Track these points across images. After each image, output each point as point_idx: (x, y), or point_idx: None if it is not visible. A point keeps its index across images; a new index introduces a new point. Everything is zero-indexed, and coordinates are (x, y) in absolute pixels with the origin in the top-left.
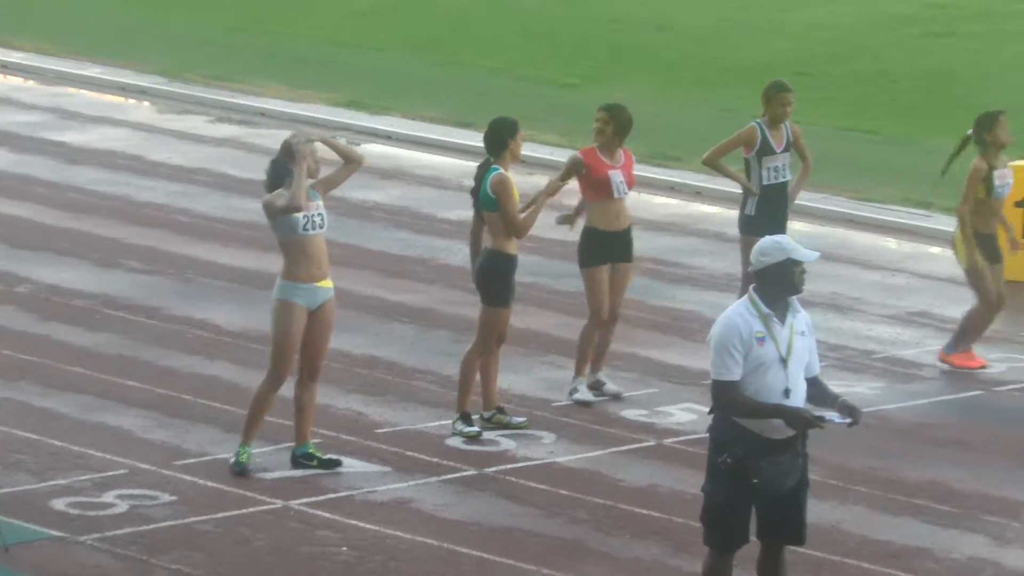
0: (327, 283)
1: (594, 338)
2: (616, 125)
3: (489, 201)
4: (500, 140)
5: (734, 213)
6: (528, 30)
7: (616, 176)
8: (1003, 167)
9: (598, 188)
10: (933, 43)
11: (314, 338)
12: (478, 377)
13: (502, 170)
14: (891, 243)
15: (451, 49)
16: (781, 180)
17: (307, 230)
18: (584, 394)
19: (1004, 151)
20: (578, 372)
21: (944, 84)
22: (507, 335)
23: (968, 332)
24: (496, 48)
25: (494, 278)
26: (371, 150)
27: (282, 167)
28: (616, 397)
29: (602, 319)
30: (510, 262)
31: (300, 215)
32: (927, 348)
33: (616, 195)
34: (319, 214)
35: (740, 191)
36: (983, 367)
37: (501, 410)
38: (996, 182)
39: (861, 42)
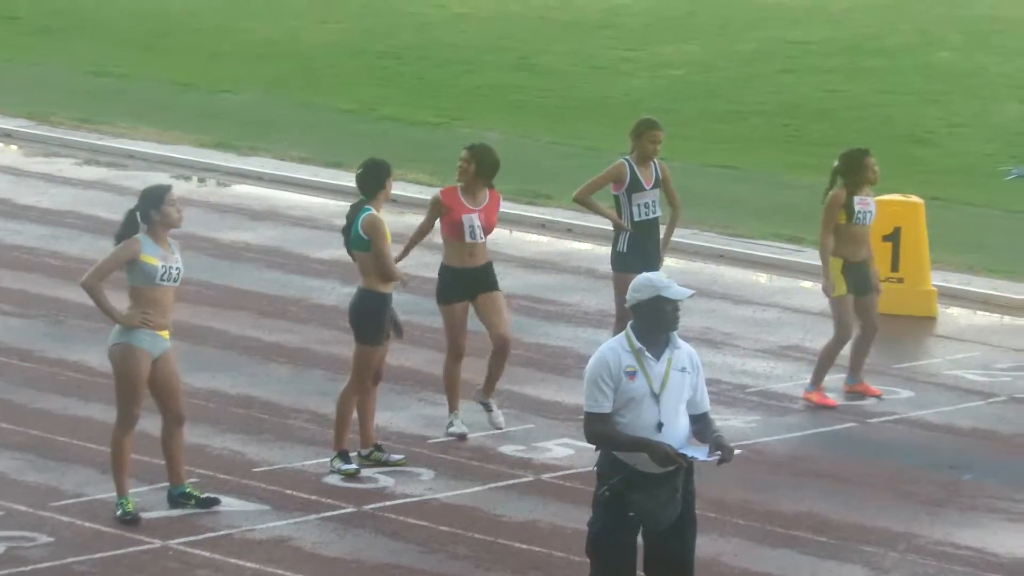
0: (166, 334)
1: (455, 371)
2: (479, 165)
3: (360, 242)
4: (377, 181)
5: (605, 250)
6: (379, 72)
7: (470, 220)
8: (864, 195)
9: (451, 228)
10: (786, 79)
11: (165, 384)
12: (355, 415)
13: (374, 211)
14: (762, 278)
15: (300, 91)
16: (652, 216)
17: (163, 281)
18: (458, 427)
19: (870, 186)
20: (452, 407)
21: (797, 119)
22: (383, 373)
23: (821, 367)
24: (348, 90)
25: (366, 317)
26: (241, 191)
27: (135, 217)
28: (497, 429)
29: (460, 353)
30: (382, 300)
31: (160, 264)
32: (800, 381)
33: (468, 239)
34: (177, 267)
35: (611, 228)
36: (838, 405)
37: (379, 447)
38: (856, 207)
39: (713, 79)
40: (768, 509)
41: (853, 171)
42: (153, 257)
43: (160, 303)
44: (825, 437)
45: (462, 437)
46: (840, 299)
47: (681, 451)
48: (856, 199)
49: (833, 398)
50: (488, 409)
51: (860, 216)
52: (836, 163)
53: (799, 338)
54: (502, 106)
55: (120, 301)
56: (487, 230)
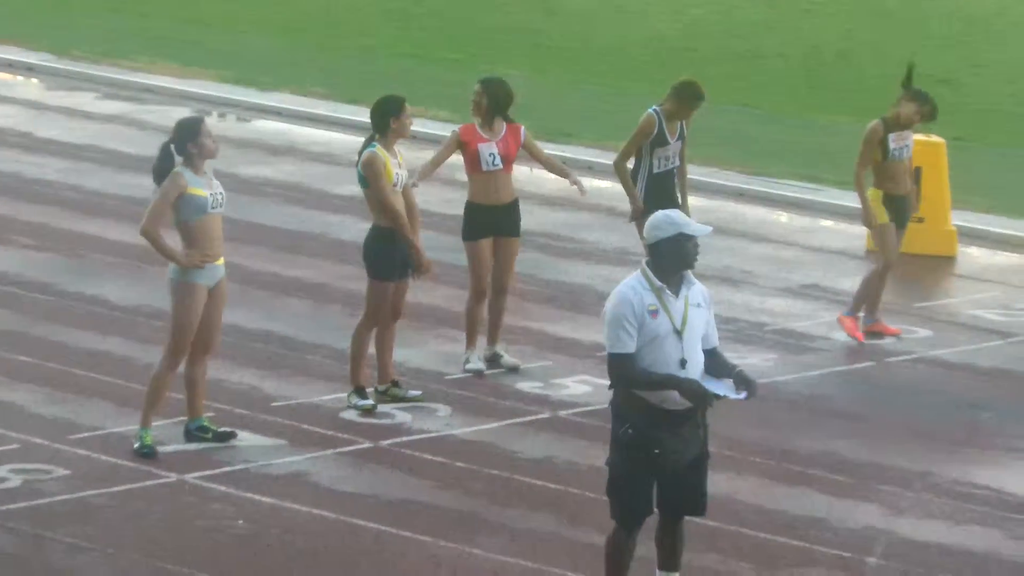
0: (221, 261)
1: (478, 311)
2: (491, 98)
3: (361, 179)
4: (383, 119)
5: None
6: (398, 14)
7: (486, 149)
8: (900, 129)
9: (471, 161)
10: (806, 20)
11: (211, 315)
12: (372, 350)
13: (377, 148)
14: (782, 217)
15: (319, 33)
16: (670, 167)
17: (213, 209)
18: (475, 363)
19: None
20: (469, 345)
21: (816, 60)
22: (402, 310)
23: (863, 295)
24: (366, 30)
25: (375, 252)
26: (262, 126)
27: (171, 150)
28: (514, 370)
29: (483, 292)
30: (390, 236)
31: (208, 193)
32: (819, 320)
33: (484, 167)
34: (220, 193)
35: (630, 166)
36: (862, 341)
37: (396, 383)
38: (891, 145)
39: (733, 20)
40: (785, 448)
41: (905, 99)
42: (199, 188)
43: (211, 233)
44: (843, 376)
45: (479, 374)
46: (883, 227)
47: (712, 391)
48: (891, 135)
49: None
50: (499, 357)
51: (896, 152)
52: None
53: (818, 277)
54: (523, 47)
55: (170, 238)
56: (506, 159)
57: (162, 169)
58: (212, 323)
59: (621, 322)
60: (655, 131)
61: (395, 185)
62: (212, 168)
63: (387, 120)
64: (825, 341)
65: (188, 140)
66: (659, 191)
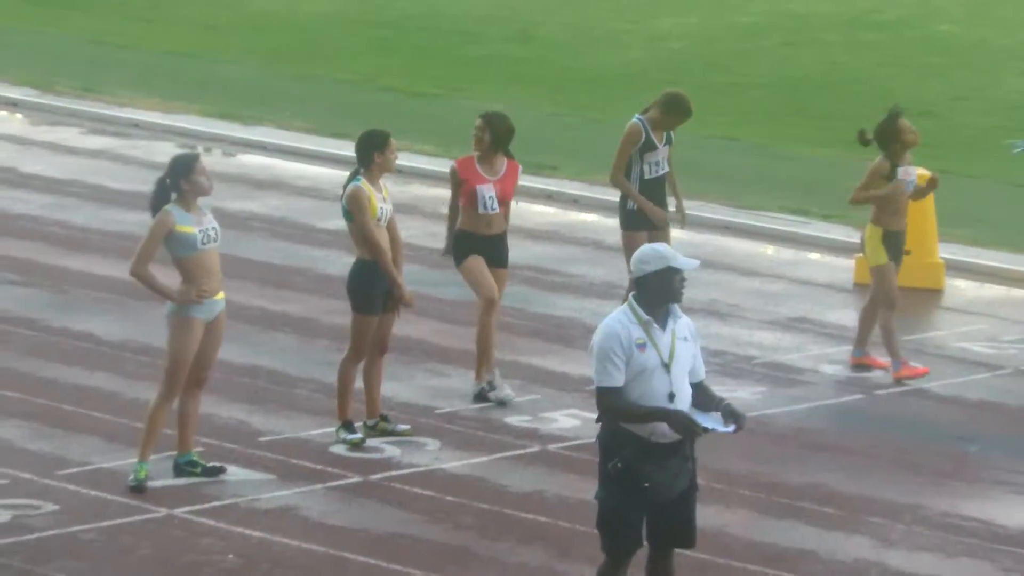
0: (221, 295)
1: (492, 324)
2: (493, 133)
3: (345, 212)
4: (367, 153)
5: (611, 221)
6: (377, 43)
7: (485, 192)
8: (907, 164)
9: (468, 199)
10: (787, 52)
11: (206, 349)
12: (360, 385)
13: (362, 183)
14: (768, 250)
15: (300, 62)
16: (660, 174)
17: (204, 245)
18: (502, 391)
19: (909, 150)
20: (489, 367)
21: (798, 92)
22: (389, 344)
23: (889, 342)
24: (346, 61)
25: (358, 285)
26: (247, 161)
27: (166, 185)
28: (502, 403)
29: (495, 301)
30: (373, 269)
31: (196, 230)
32: (807, 353)
33: (481, 210)
34: (213, 228)
35: (616, 198)
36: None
37: (384, 418)
38: (900, 176)
39: (712, 52)
40: (774, 480)
41: (889, 139)
42: (188, 226)
43: (206, 267)
44: (831, 409)
45: (508, 401)
46: (882, 268)
47: (700, 423)
48: (900, 169)
49: (914, 364)
50: (492, 388)
51: (905, 186)
52: (861, 129)
53: (805, 310)
54: (502, 77)
55: (167, 275)
56: (502, 201)
57: (157, 203)
58: (208, 357)
59: (609, 355)
60: (643, 138)
61: (379, 220)
62: (207, 204)
63: (371, 154)
64: (813, 374)
65: (182, 176)
66: (650, 197)
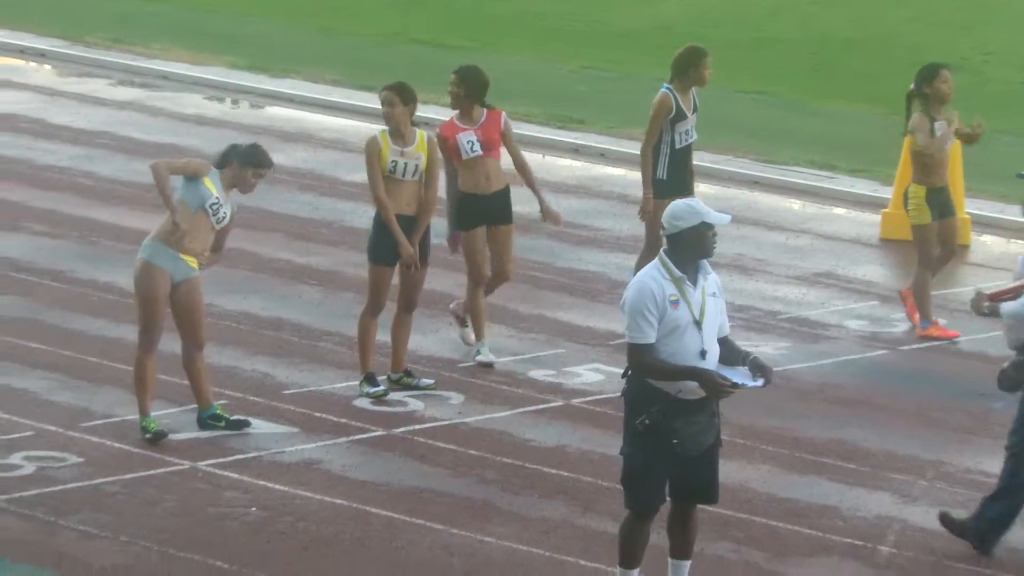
0: (193, 262)
1: (480, 299)
2: (467, 87)
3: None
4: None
5: (637, 175)
6: (406, 1)
7: (464, 137)
8: (944, 117)
9: (455, 154)
10: (815, 8)
11: (186, 310)
12: (384, 338)
13: (380, 133)
14: (795, 205)
15: (325, 18)
16: (689, 142)
17: (208, 210)
18: (486, 355)
19: (947, 105)
20: (478, 336)
21: (826, 49)
22: (416, 300)
23: (922, 302)
24: (371, 16)
25: (372, 236)
26: (274, 113)
27: (230, 152)
28: (466, 343)
29: (482, 279)
30: (382, 221)
31: (216, 195)
32: (832, 308)
33: (464, 155)
34: (224, 211)
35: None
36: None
37: (408, 373)
38: (937, 133)
39: (741, 7)
40: (797, 436)
41: (927, 84)
42: (214, 187)
43: (195, 227)
44: (856, 364)
45: (489, 366)
46: (924, 227)
47: (731, 379)
48: (936, 124)
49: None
50: (464, 324)
51: (942, 141)
52: (911, 86)
53: (831, 265)
54: (531, 32)
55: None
56: (486, 144)
57: (222, 159)
58: (192, 318)
59: (643, 312)
60: (673, 108)
61: (392, 172)
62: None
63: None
64: (838, 329)
65: (247, 164)
66: (680, 166)
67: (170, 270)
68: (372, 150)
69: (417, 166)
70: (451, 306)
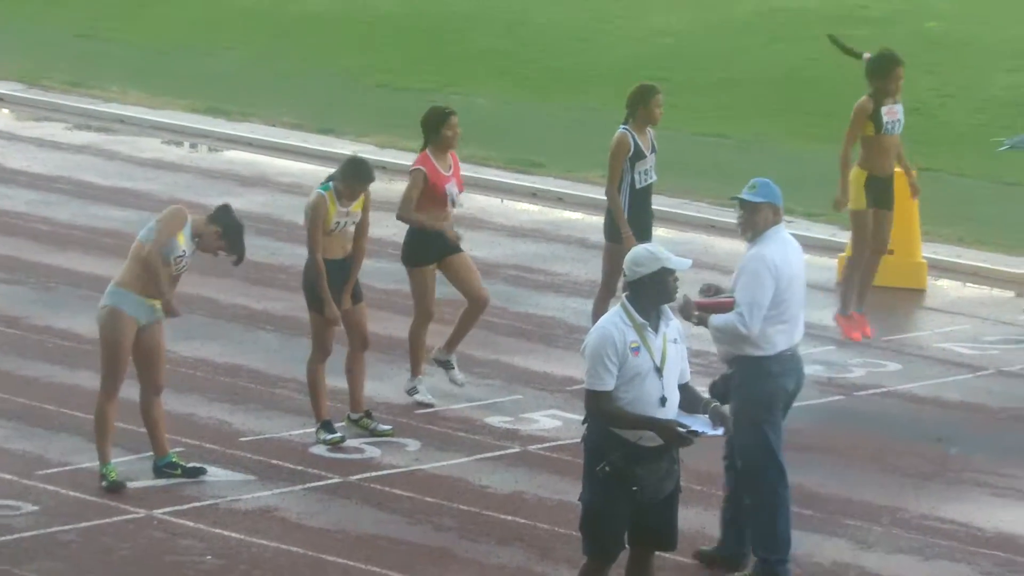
0: (158, 304)
1: (423, 335)
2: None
3: (304, 214)
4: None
5: (596, 219)
6: (365, 40)
7: (452, 189)
8: (891, 104)
9: (433, 198)
10: (776, 48)
11: (149, 354)
12: (338, 384)
13: (326, 194)
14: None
15: (286, 59)
16: (650, 182)
17: (173, 262)
18: (424, 395)
19: (896, 95)
20: (415, 372)
21: (787, 88)
22: (368, 338)
23: (847, 288)
24: (333, 57)
25: (305, 284)
26: (232, 157)
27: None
28: (458, 385)
29: (430, 316)
30: (317, 269)
31: (183, 249)
32: None
33: (451, 205)
34: (187, 262)
35: (602, 197)
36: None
37: (369, 415)
38: (884, 118)
39: (703, 48)
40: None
41: (880, 76)
42: (184, 240)
43: (159, 276)
44: (811, 409)
45: (428, 406)
46: (859, 213)
47: (690, 427)
48: (884, 108)
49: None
50: (449, 367)
51: (889, 126)
52: (864, 55)
53: None
54: (491, 73)
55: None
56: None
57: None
58: (154, 364)
59: (603, 359)
60: (632, 147)
61: (333, 230)
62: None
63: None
64: (836, 324)
65: (227, 234)
66: (642, 206)
67: (136, 316)
68: (320, 212)
69: (354, 221)
70: (432, 355)
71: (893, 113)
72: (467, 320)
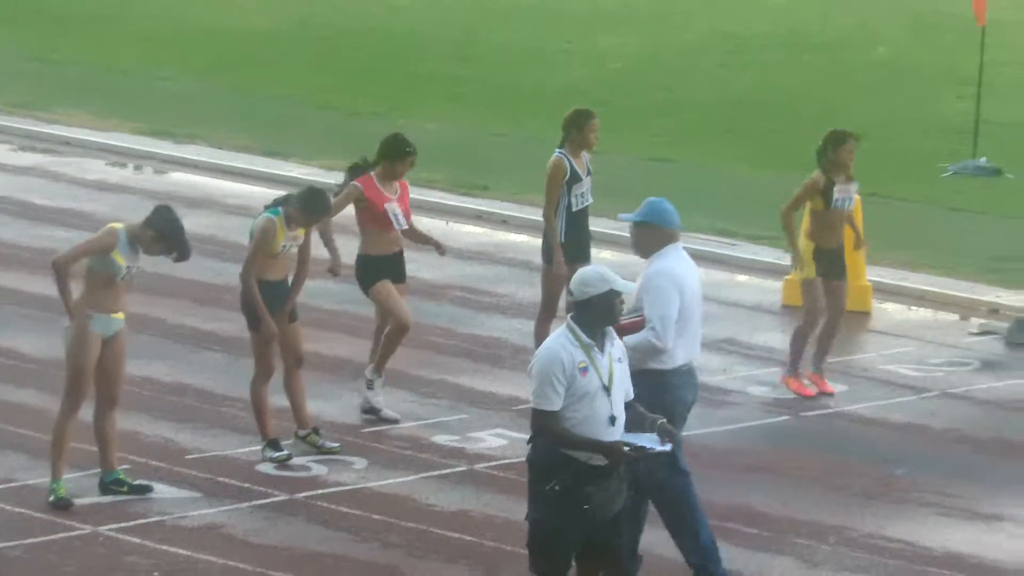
0: (121, 315)
1: (399, 343)
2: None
3: (250, 235)
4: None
5: (540, 241)
6: (317, 60)
7: (392, 209)
8: (844, 183)
9: (375, 219)
10: (726, 72)
11: (110, 366)
12: (282, 402)
13: (276, 219)
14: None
15: (237, 78)
16: (586, 204)
17: (122, 280)
18: (388, 413)
19: (848, 170)
20: (380, 372)
21: (736, 112)
22: (303, 354)
23: (794, 351)
24: (285, 77)
25: (243, 305)
26: (178, 179)
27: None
28: (375, 409)
29: (407, 325)
30: (261, 289)
31: (124, 265)
32: (735, 375)
33: (396, 227)
34: (136, 269)
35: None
36: (816, 394)
37: (316, 431)
38: (836, 195)
39: (651, 72)
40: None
41: (831, 150)
42: (122, 257)
43: (114, 292)
44: (758, 430)
45: (394, 422)
46: (809, 282)
47: (637, 444)
48: (836, 187)
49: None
50: (371, 388)
51: (838, 202)
52: (820, 143)
53: (733, 331)
54: (440, 96)
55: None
56: (406, 216)
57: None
58: (113, 375)
59: (550, 379)
60: (568, 171)
61: (277, 254)
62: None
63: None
64: (741, 395)
65: (165, 236)
66: (579, 228)
67: (102, 332)
68: (269, 235)
69: (297, 244)
70: (367, 373)
71: (844, 191)
72: (395, 340)
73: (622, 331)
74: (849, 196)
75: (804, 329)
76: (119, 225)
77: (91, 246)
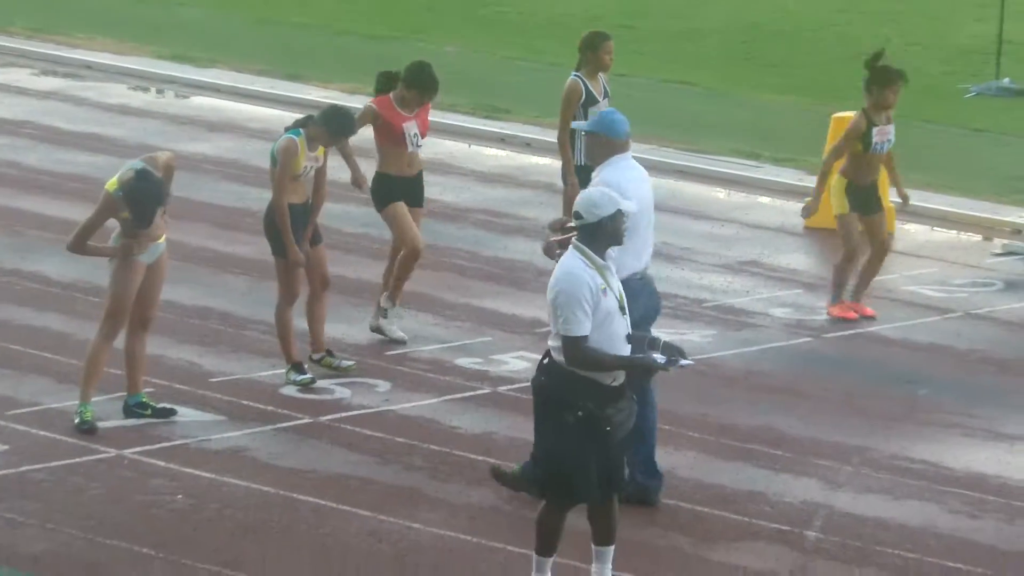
0: (162, 239)
1: (411, 268)
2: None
3: (272, 158)
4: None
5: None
6: None
7: (410, 128)
8: (884, 124)
9: (391, 137)
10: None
11: (149, 289)
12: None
13: (297, 140)
14: (720, 194)
15: (257, 6)
16: None
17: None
18: (395, 327)
19: (886, 111)
20: (396, 301)
21: (753, 39)
22: (328, 278)
23: (836, 282)
24: (304, 5)
25: (268, 229)
26: (199, 103)
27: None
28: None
29: (418, 249)
30: (283, 213)
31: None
32: (757, 296)
33: (409, 148)
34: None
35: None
36: (859, 318)
37: (330, 353)
38: (874, 138)
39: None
40: (723, 423)
41: (875, 90)
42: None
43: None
44: (781, 352)
45: (401, 342)
46: (843, 217)
47: (660, 362)
48: (875, 129)
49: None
50: (384, 316)
51: (877, 146)
52: (865, 80)
53: (756, 253)
54: (460, 21)
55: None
56: (423, 135)
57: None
58: (150, 297)
59: (580, 302)
60: (583, 93)
61: (299, 176)
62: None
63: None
64: (764, 317)
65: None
66: None
67: (146, 259)
68: (290, 155)
69: (317, 166)
70: (383, 303)
71: (884, 133)
72: (408, 265)
73: (567, 244)
74: (888, 139)
75: (843, 265)
76: (112, 185)
77: (96, 219)
